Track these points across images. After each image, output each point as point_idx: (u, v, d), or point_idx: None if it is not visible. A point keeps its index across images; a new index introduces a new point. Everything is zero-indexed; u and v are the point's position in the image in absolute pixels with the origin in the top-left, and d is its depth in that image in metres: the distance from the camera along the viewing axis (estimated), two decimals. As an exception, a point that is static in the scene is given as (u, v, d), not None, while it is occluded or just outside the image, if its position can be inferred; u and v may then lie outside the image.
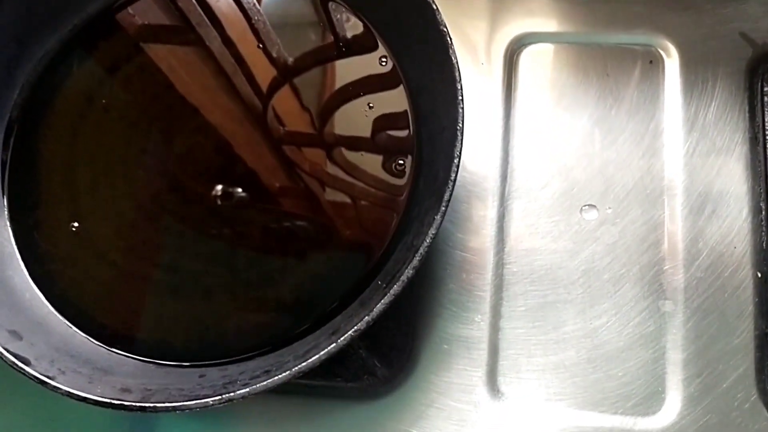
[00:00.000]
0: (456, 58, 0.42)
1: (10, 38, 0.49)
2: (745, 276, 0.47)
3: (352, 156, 0.48)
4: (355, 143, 0.48)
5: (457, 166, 0.40)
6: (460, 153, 0.40)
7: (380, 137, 0.48)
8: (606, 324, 0.47)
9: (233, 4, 0.53)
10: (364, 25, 0.50)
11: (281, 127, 0.49)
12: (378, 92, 0.49)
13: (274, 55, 0.51)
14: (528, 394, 0.47)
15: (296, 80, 0.50)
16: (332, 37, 0.51)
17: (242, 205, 0.47)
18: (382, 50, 0.49)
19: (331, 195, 0.47)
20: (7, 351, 0.40)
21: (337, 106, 0.49)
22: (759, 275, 0.47)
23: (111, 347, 0.45)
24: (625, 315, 0.47)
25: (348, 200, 0.47)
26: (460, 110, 0.41)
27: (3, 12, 0.48)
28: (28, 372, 0.39)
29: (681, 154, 0.50)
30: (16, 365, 0.39)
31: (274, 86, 0.50)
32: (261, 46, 0.51)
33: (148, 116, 0.50)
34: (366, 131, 0.48)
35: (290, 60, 0.50)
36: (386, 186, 0.47)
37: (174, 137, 0.50)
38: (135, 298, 0.46)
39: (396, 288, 0.38)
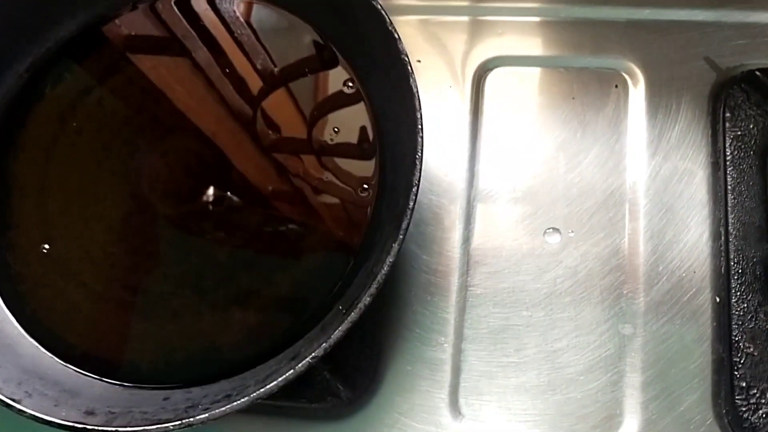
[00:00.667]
0: (417, 87, 0.43)
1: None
2: (704, 300, 0.48)
3: (317, 178, 0.48)
4: (320, 164, 0.49)
5: (416, 195, 0.40)
6: (419, 181, 0.41)
7: (345, 161, 0.48)
8: (566, 347, 0.48)
9: (216, 18, 0.54)
10: (331, 50, 0.51)
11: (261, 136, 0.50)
12: (343, 115, 0.50)
13: (258, 66, 0.52)
14: (489, 415, 0.48)
15: (267, 94, 0.51)
16: (299, 58, 0.51)
17: (209, 227, 0.48)
18: (347, 74, 0.50)
19: (298, 216, 0.48)
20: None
21: (303, 125, 0.50)
22: (717, 300, 0.48)
23: (80, 369, 0.46)
24: (585, 338, 0.48)
25: (313, 224, 0.48)
26: (420, 139, 0.42)
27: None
28: (-7, 395, 0.40)
29: (644, 177, 0.51)
30: (-19, 389, 0.40)
31: (249, 97, 0.51)
32: (245, 57, 0.52)
33: (120, 138, 0.51)
34: (331, 155, 0.49)
35: (262, 74, 0.51)
36: (350, 211, 0.47)
37: (148, 156, 0.50)
38: (104, 319, 0.47)
39: (354, 315, 0.39)
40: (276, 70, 0.51)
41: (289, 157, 0.49)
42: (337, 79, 0.50)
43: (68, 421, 0.39)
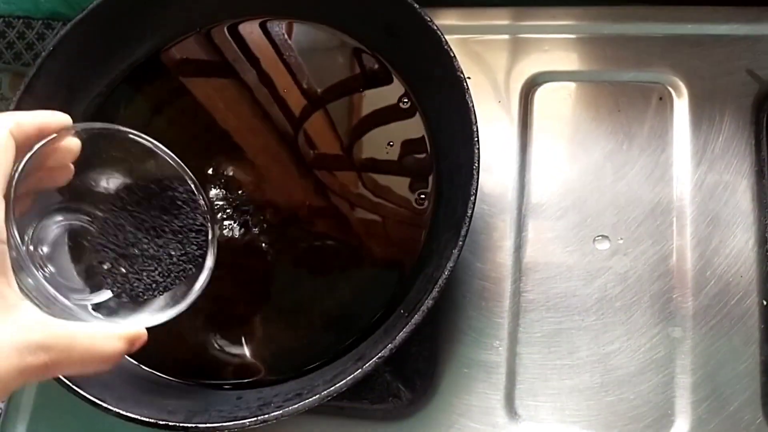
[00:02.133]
0: (472, 101, 0.45)
1: (60, 84, 0.53)
2: (752, 304, 0.49)
3: (376, 190, 0.51)
4: (378, 177, 0.51)
5: (474, 203, 0.43)
6: (476, 191, 0.43)
7: (400, 172, 0.51)
8: (618, 349, 0.50)
9: (267, 42, 0.57)
10: (386, 68, 0.53)
11: (310, 155, 0.52)
12: (398, 129, 0.52)
13: (306, 87, 0.55)
14: (544, 416, 0.49)
15: (326, 112, 0.54)
16: (356, 76, 0.54)
17: (274, 237, 0.50)
18: (402, 90, 0.53)
19: (358, 226, 0.51)
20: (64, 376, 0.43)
21: (360, 140, 0.52)
22: (765, 303, 0.49)
23: (157, 371, 0.49)
24: (636, 341, 0.50)
25: (375, 233, 0.50)
26: (476, 150, 0.44)
27: (55, 59, 0.52)
28: (81, 394, 0.43)
29: (689, 186, 0.52)
30: (72, 388, 0.43)
31: (306, 114, 0.54)
32: (292, 77, 0.55)
33: (189, 153, 0.54)
34: (389, 168, 0.51)
35: (320, 93, 0.54)
36: (409, 220, 0.50)
37: (211, 168, 0.53)
38: (178, 324, 0.50)
39: (417, 317, 0.41)
40: (331, 88, 0.54)
41: (348, 172, 0.52)
42: (392, 95, 0.53)
43: (151, 418, 0.42)
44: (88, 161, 0.38)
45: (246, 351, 0.49)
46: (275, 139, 0.54)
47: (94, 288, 0.40)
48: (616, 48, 0.57)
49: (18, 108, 0.49)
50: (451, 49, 0.47)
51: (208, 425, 0.41)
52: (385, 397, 0.50)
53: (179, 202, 0.42)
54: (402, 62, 0.53)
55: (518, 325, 0.51)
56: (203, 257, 0.41)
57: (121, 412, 0.42)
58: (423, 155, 0.51)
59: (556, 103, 0.57)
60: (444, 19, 0.61)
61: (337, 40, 0.55)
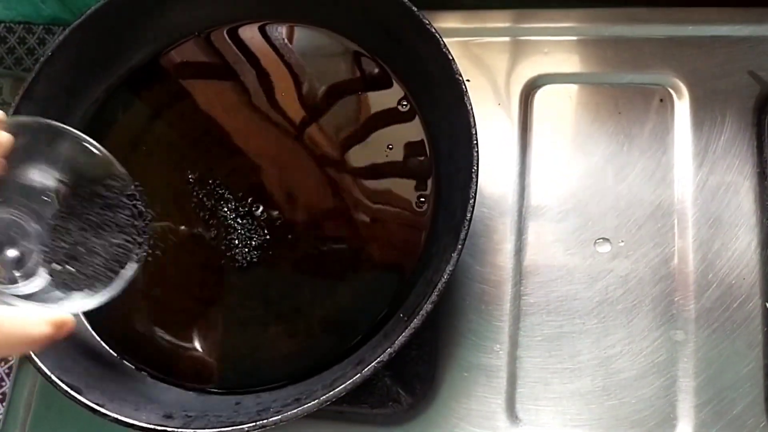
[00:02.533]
0: (471, 104, 0.45)
1: (60, 89, 0.53)
2: (754, 307, 0.49)
3: (375, 194, 0.51)
4: (378, 180, 0.51)
5: (473, 207, 0.43)
6: (475, 194, 0.43)
7: (400, 176, 0.51)
8: (620, 353, 0.49)
9: (267, 46, 0.56)
10: (385, 71, 0.53)
11: (310, 158, 0.52)
12: (398, 132, 0.52)
13: (306, 91, 0.54)
14: (545, 420, 0.49)
15: (325, 116, 0.53)
16: (355, 79, 0.54)
17: (274, 242, 0.50)
18: (401, 93, 0.53)
19: (357, 230, 0.50)
20: (61, 381, 0.43)
21: (360, 143, 0.52)
22: (767, 306, 0.49)
23: (155, 377, 0.49)
24: (638, 344, 0.49)
25: (374, 237, 0.50)
26: (475, 153, 0.44)
27: (54, 64, 0.52)
28: (79, 400, 0.43)
29: (691, 189, 0.52)
30: (69, 394, 0.43)
31: (306, 117, 0.54)
32: (291, 81, 0.55)
33: (187, 160, 0.54)
34: (388, 171, 0.51)
35: (320, 96, 0.54)
36: (408, 224, 0.50)
37: (210, 173, 0.53)
38: (176, 330, 0.50)
39: (416, 321, 0.41)
40: (330, 92, 0.54)
41: (347, 175, 0.52)
42: (391, 98, 0.53)
43: (149, 423, 0.42)
44: (20, 155, 0.38)
45: (245, 355, 0.49)
46: (274, 143, 0.54)
47: (25, 277, 0.40)
48: (617, 50, 0.57)
49: (17, 113, 0.49)
50: (449, 52, 0.47)
51: (206, 430, 0.41)
52: (385, 401, 0.50)
53: (111, 196, 0.42)
54: (401, 65, 0.53)
55: (519, 329, 0.51)
56: (132, 249, 0.42)
57: (120, 417, 0.42)
58: (422, 158, 0.51)
59: (556, 105, 0.57)
60: (444, 22, 0.61)
61: (336, 44, 0.55)
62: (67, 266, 0.41)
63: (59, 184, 0.42)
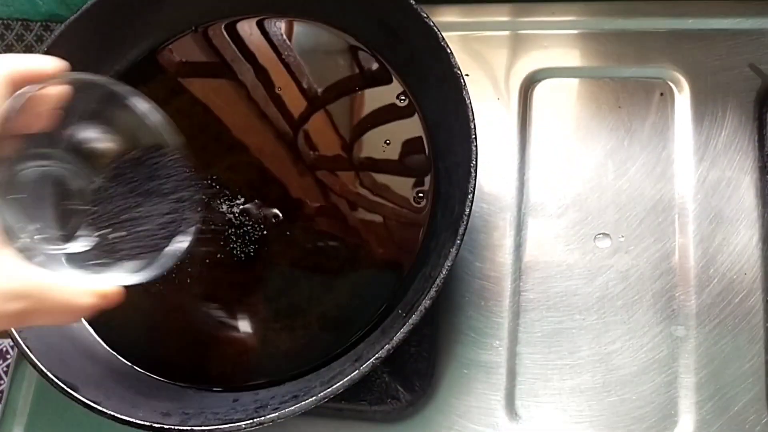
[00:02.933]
0: (470, 98, 0.44)
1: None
2: (756, 302, 0.48)
3: (374, 189, 0.50)
4: (376, 176, 0.51)
5: (471, 201, 0.42)
6: (474, 189, 0.43)
7: (401, 171, 0.50)
8: (620, 349, 0.49)
9: (264, 41, 0.56)
10: (383, 65, 0.53)
11: (308, 154, 0.52)
12: (396, 127, 0.52)
13: (304, 86, 0.54)
14: (545, 417, 0.49)
15: (323, 111, 0.53)
16: (353, 74, 0.54)
17: (272, 238, 0.50)
18: (399, 88, 0.52)
19: (355, 227, 0.50)
20: (58, 378, 0.43)
21: (357, 138, 0.52)
22: (769, 301, 0.48)
23: (152, 373, 0.48)
24: (638, 340, 0.49)
25: (373, 233, 0.50)
26: (474, 148, 0.44)
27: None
28: (76, 397, 0.42)
29: (692, 183, 0.52)
30: (66, 391, 0.42)
31: (304, 113, 0.53)
32: (289, 76, 0.54)
33: (186, 154, 0.53)
34: (387, 167, 0.51)
35: (318, 91, 0.54)
36: (407, 219, 0.49)
37: (207, 168, 0.53)
38: (174, 327, 0.50)
39: (415, 317, 0.41)
40: (328, 87, 0.54)
41: (346, 171, 0.51)
42: (389, 93, 0.52)
43: (146, 420, 0.42)
44: (75, 111, 0.38)
45: (242, 352, 0.48)
46: (272, 139, 0.53)
47: (70, 238, 0.39)
48: (617, 44, 0.56)
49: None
50: (448, 46, 0.46)
51: (203, 428, 0.41)
52: (384, 398, 0.50)
53: (166, 167, 0.41)
54: (399, 60, 0.53)
55: (518, 325, 0.51)
56: (184, 224, 0.41)
57: (117, 415, 0.42)
58: (421, 153, 0.51)
59: (556, 99, 0.56)
60: (443, 16, 0.61)
61: (334, 38, 0.55)
62: (113, 233, 0.40)
63: (109, 146, 0.41)
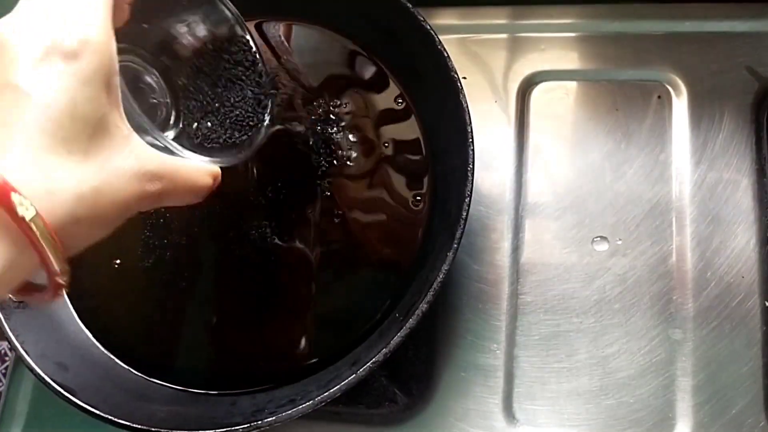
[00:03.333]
0: (466, 101, 0.44)
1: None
2: (753, 305, 0.48)
3: (371, 193, 0.50)
4: (373, 179, 0.51)
5: (468, 205, 0.42)
6: (471, 192, 0.43)
7: (397, 175, 0.50)
8: (617, 352, 0.49)
9: (262, 43, 0.56)
10: (381, 69, 0.53)
11: (306, 156, 0.52)
12: (393, 130, 0.52)
13: (301, 89, 0.54)
14: (543, 420, 0.49)
15: (320, 112, 0.53)
16: (350, 77, 0.54)
17: (270, 242, 0.50)
18: (397, 91, 0.52)
19: (353, 231, 0.50)
20: (55, 382, 0.43)
21: (354, 142, 0.52)
22: (767, 304, 0.48)
23: (150, 377, 0.48)
24: (636, 343, 0.49)
25: (370, 237, 0.50)
26: (471, 151, 0.44)
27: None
28: (74, 401, 0.42)
29: (689, 186, 0.52)
30: (64, 395, 0.42)
31: (301, 116, 0.53)
32: (289, 78, 0.54)
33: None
34: (384, 170, 0.51)
35: (315, 93, 0.53)
36: (404, 223, 0.49)
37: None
38: (171, 330, 0.50)
39: (412, 321, 0.41)
40: (326, 89, 0.54)
41: (342, 174, 0.51)
42: (387, 96, 0.52)
43: (144, 425, 0.42)
44: (151, 5, 0.39)
45: (240, 356, 0.48)
46: (269, 141, 0.53)
47: (161, 125, 0.41)
48: (614, 46, 0.56)
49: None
50: (445, 49, 0.46)
51: (201, 431, 0.41)
52: (382, 401, 0.50)
53: (236, 55, 0.43)
54: (397, 63, 0.53)
55: (516, 328, 0.51)
56: (261, 114, 0.43)
57: (114, 419, 0.42)
58: (418, 156, 0.51)
59: (553, 102, 0.56)
60: (440, 19, 0.61)
61: (331, 41, 0.55)
62: (204, 122, 0.42)
63: (189, 39, 0.42)
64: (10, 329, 0.45)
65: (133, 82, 0.41)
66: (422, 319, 0.41)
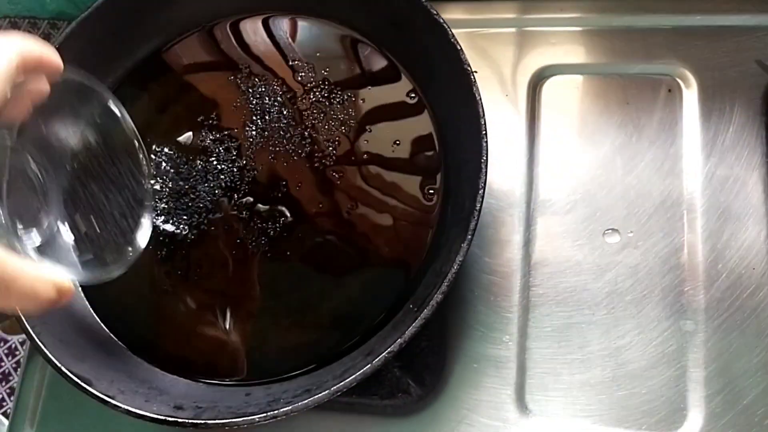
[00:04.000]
0: (480, 95, 0.45)
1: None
2: (764, 296, 0.49)
3: (384, 187, 0.51)
4: (386, 173, 0.51)
5: (482, 197, 0.43)
6: (485, 184, 0.43)
7: (411, 169, 0.51)
8: (629, 343, 0.49)
9: (270, 38, 0.56)
10: (393, 63, 0.53)
11: (318, 152, 0.52)
12: (406, 124, 0.52)
13: (312, 84, 0.54)
14: (555, 411, 0.49)
15: (332, 108, 0.53)
16: (362, 72, 0.54)
17: (282, 230, 0.50)
18: (409, 85, 0.53)
19: (367, 225, 0.50)
20: (71, 372, 0.43)
21: (367, 136, 0.52)
22: (778, 295, 0.49)
23: (165, 368, 0.49)
24: (647, 335, 0.49)
25: (382, 229, 0.50)
26: (484, 144, 0.44)
27: (59, 57, 0.52)
28: (90, 392, 0.43)
29: (700, 178, 0.52)
30: (80, 386, 0.43)
31: (312, 111, 0.54)
32: (297, 74, 0.55)
33: (194, 150, 0.54)
34: (396, 163, 0.51)
35: (326, 88, 0.54)
36: (417, 216, 0.49)
37: (216, 166, 0.53)
38: (186, 322, 0.50)
39: (426, 312, 0.41)
40: (338, 85, 0.54)
41: (355, 168, 0.51)
42: (399, 90, 0.52)
43: (160, 414, 0.42)
44: (51, 108, 0.38)
45: (254, 347, 0.49)
46: (280, 137, 0.53)
47: (35, 227, 0.39)
48: (624, 40, 0.57)
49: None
50: (457, 43, 0.46)
51: (217, 421, 0.41)
52: (395, 392, 0.50)
53: (128, 169, 0.42)
54: (409, 57, 0.53)
55: (528, 320, 0.51)
56: (139, 228, 0.41)
57: (131, 409, 0.42)
58: (431, 150, 0.51)
59: (564, 96, 0.56)
60: (450, 13, 0.61)
61: (342, 36, 0.55)
62: (78, 225, 0.40)
63: (81, 143, 0.41)
64: (27, 321, 0.45)
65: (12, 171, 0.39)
66: (436, 310, 0.41)
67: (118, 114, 0.40)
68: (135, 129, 0.41)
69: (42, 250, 0.37)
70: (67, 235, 0.40)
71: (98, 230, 0.41)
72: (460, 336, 0.51)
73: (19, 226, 0.38)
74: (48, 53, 0.34)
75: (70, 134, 0.41)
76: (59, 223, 0.40)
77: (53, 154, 0.40)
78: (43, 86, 0.35)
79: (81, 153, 0.41)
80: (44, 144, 0.40)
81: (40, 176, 0.40)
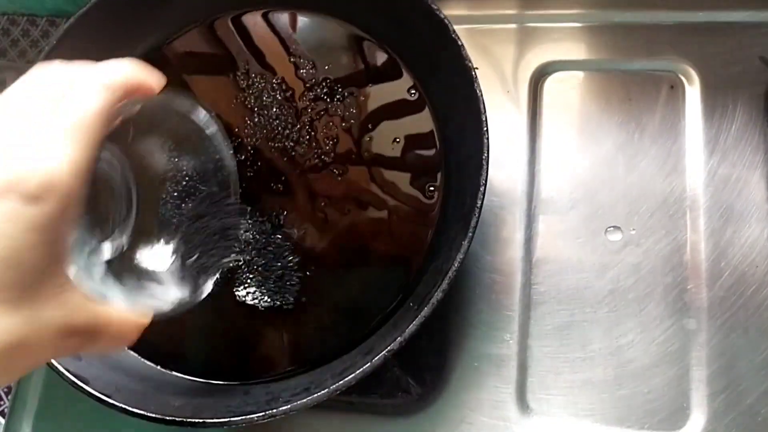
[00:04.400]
0: (481, 91, 0.44)
1: (65, 79, 0.53)
2: (767, 295, 0.48)
3: (384, 184, 0.50)
4: (386, 171, 0.51)
5: (483, 194, 0.42)
6: (486, 181, 0.42)
7: (412, 166, 0.50)
8: (632, 342, 0.49)
9: (271, 33, 0.56)
10: (394, 59, 0.53)
11: (318, 149, 0.52)
12: (407, 121, 0.52)
13: (312, 80, 0.54)
14: (556, 410, 0.49)
15: (330, 105, 0.53)
16: (363, 68, 0.54)
17: (282, 229, 0.50)
18: (410, 81, 0.52)
19: (367, 222, 0.50)
20: (68, 371, 0.43)
21: (368, 133, 0.52)
22: (781, 294, 0.48)
23: (163, 367, 0.48)
24: (650, 333, 0.49)
25: (383, 227, 0.50)
26: (485, 141, 0.43)
27: (59, 53, 0.51)
28: (87, 390, 0.42)
29: (702, 176, 0.52)
30: (77, 384, 0.42)
31: (312, 108, 0.53)
32: (297, 70, 0.54)
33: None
34: (398, 161, 0.50)
35: (327, 84, 0.53)
36: (418, 214, 0.49)
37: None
38: (184, 320, 0.49)
39: (426, 310, 0.40)
40: (338, 81, 0.53)
41: (356, 166, 0.51)
42: (400, 86, 0.52)
43: (158, 413, 0.42)
44: (141, 128, 0.37)
45: (253, 346, 0.48)
46: (279, 134, 0.53)
47: (104, 238, 0.37)
48: (626, 36, 0.56)
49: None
50: (458, 38, 0.46)
51: (215, 420, 0.41)
52: (395, 391, 0.50)
53: (216, 198, 0.40)
54: (409, 53, 0.52)
55: (529, 318, 0.51)
56: (222, 258, 0.40)
57: (128, 408, 0.42)
58: (432, 147, 0.51)
59: (565, 93, 0.56)
60: (449, 9, 0.61)
61: (343, 32, 0.55)
62: (152, 243, 0.38)
63: (171, 166, 0.39)
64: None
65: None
66: (436, 309, 0.41)
67: (216, 144, 0.38)
68: (234, 162, 0.39)
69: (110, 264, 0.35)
70: (149, 260, 0.38)
71: (176, 248, 0.39)
72: (461, 334, 0.51)
73: (94, 241, 0.36)
74: (151, 78, 0.33)
75: (159, 155, 0.39)
76: (136, 236, 0.38)
77: (142, 174, 0.39)
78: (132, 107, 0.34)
79: (170, 175, 0.40)
80: (133, 161, 0.38)
81: (123, 184, 0.38)
